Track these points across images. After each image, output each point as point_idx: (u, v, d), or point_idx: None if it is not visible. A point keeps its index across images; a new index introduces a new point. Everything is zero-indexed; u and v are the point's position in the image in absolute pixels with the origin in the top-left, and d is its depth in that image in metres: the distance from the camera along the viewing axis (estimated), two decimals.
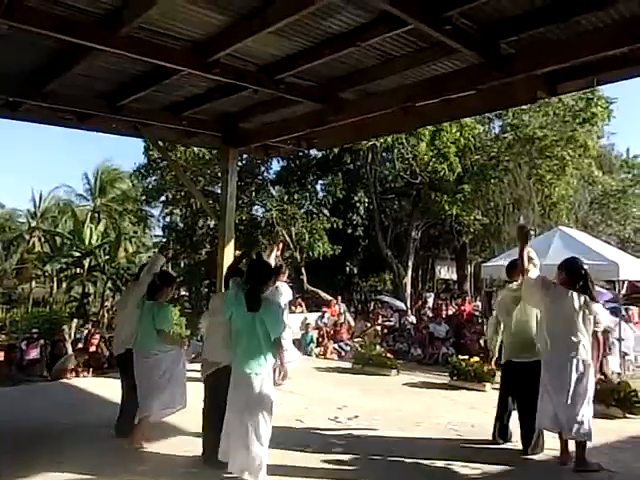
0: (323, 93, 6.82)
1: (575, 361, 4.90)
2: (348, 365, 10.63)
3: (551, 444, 5.32)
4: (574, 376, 4.88)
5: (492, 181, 22.61)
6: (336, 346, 14.98)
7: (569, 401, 4.86)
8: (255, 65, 6.08)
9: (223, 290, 5.45)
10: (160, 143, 10.39)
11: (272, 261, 6.05)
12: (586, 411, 4.91)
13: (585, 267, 5.19)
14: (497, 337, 5.86)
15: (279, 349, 4.65)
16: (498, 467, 5.14)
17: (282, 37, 5.34)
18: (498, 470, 5.08)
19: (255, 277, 4.70)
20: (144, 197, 28.97)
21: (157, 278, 5.88)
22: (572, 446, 5.04)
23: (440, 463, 5.24)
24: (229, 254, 8.79)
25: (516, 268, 5.55)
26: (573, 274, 5.08)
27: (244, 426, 4.45)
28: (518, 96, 6.25)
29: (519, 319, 5.56)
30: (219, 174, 18.96)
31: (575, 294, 4.97)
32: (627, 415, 6.87)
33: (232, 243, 8.98)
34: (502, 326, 5.74)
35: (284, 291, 8.11)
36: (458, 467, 5.15)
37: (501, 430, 5.76)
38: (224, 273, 5.82)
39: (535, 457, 5.35)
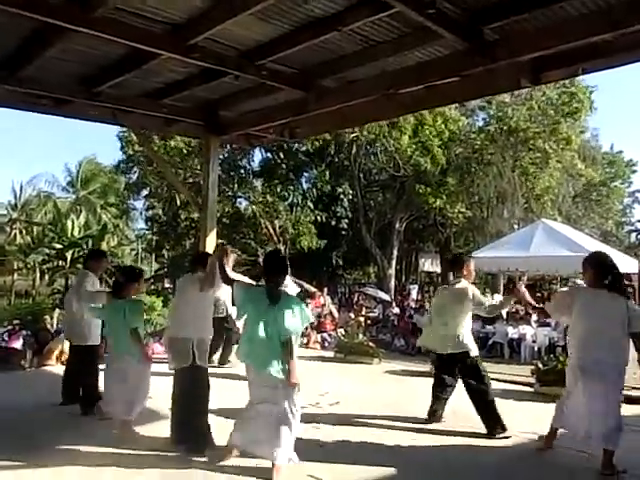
0: (304, 80, 6.72)
1: (610, 364, 4.57)
2: (330, 354, 10.60)
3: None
4: (610, 380, 4.55)
5: (476, 174, 22.70)
6: (319, 337, 14.95)
7: (603, 408, 4.52)
8: (236, 50, 5.97)
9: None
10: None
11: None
12: (619, 418, 4.61)
13: (613, 261, 4.88)
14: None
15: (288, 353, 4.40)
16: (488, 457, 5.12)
17: (263, 21, 5.24)
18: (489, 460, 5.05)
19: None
20: (126, 191, 28.85)
21: (121, 274, 5.64)
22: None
23: (420, 447, 5.23)
24: (211, 245, 8.68)
25: (460, 263, 5.98)
26: (601, 269, 4.79)
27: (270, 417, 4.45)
28: (501, 83, 6.23)
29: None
30: (199, 166, 18.72)
31: (605, 292, 4.66)
32: None
33: (214, 233, 8.86)
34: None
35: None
36: (438, 452, 5.14)
37: None
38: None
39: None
